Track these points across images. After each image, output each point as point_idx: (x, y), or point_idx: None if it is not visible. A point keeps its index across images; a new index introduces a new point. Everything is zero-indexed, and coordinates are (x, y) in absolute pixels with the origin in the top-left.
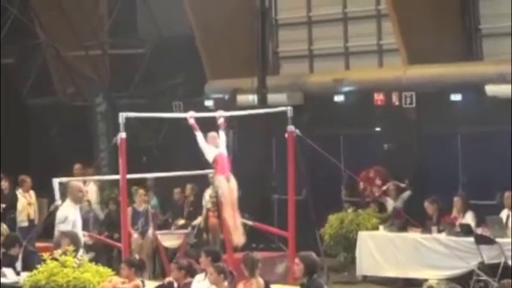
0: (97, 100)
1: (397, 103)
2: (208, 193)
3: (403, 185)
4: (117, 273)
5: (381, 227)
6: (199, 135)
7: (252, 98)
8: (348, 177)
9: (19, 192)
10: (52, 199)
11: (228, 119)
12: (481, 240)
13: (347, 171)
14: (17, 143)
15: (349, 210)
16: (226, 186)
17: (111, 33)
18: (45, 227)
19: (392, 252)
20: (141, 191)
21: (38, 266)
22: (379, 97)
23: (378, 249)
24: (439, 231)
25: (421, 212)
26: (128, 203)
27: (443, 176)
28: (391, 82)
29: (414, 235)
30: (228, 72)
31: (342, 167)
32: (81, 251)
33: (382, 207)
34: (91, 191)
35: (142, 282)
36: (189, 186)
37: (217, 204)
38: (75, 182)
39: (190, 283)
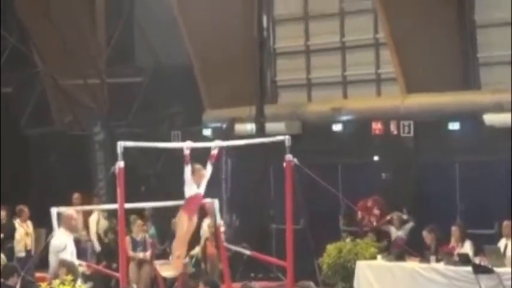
0: (95, 129)
1: (395, 132)
2: (206, 223)
3: (405, 217)
4: None
5: (379, 257)
6: (187, 169)
7: (250, 127)
8: (345, 207)
9: (17, 222)
10: (50, 229)
11: (225, 149)
12: (479, 269)
13: (345, 201)
14: (15, 172)
15: (347, 239)
16: (186, 224)
17: (109, 62)
18: (41, 258)
19: (391, 282)
20: (139, 221)
21: None
22: (377, 126)
23: (376, 278)
24: (437, 260)
25: (419, 241)
26: (126, 232)
27: (441, 205)
28: (389, 111)
29: (412, 264)
30: (226, 101)
31: (340, 196)
32: (79, 281)
33: (380, 237)
34: (92, 221)
35: None
36: None
37: (216, 234)
38: (68, 210)
39: None
